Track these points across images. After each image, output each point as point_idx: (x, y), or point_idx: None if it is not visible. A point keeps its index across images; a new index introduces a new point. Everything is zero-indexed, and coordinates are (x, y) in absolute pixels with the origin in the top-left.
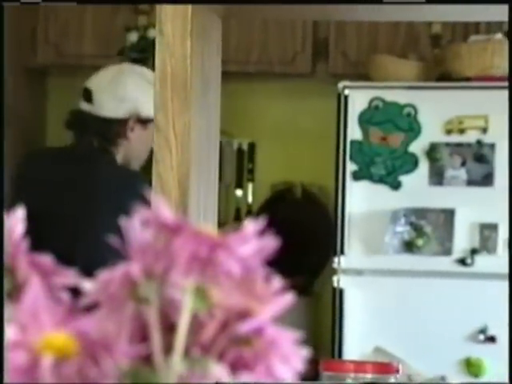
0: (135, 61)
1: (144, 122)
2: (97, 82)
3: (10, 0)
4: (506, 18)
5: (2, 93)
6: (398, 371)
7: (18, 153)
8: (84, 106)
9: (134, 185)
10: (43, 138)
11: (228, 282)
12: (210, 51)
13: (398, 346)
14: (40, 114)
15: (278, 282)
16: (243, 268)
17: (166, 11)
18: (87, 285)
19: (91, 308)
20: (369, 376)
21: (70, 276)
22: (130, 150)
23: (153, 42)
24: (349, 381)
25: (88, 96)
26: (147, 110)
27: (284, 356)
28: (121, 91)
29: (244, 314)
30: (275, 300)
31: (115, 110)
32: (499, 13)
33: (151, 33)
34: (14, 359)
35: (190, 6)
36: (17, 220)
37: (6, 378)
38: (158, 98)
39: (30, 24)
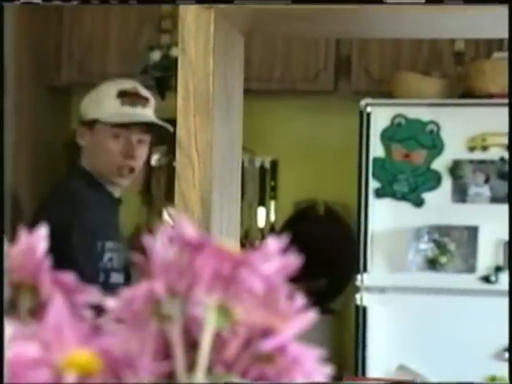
0: (158, 79)
1: (89, 124)
2: (83, 102)
3: (10, 0)
4: None
5: (2, 93)
6: None
7: (39, 170)
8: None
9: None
10: (66, 156)
11: (251, 299)
12: (233, 68)
13: (422, 363)
14: (63, 132)
15: (300, 299)
16: (266, 285)
17: (188, 29)
18: (111, 302)
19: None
20: None
21: (92, 294)
22: (90, 159)
23: (176, 61)
24: None
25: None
26: (88, 110)
27: (307, 373)
28: (82, 107)
29: (267, 332)
30: (298, 317)
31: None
32: None
33: (174, 51)
34: (38, 376)
35: (212, 24)
36: (39, 238)
37: (6, 378)
38: (180, 115)
39: (54, 42)
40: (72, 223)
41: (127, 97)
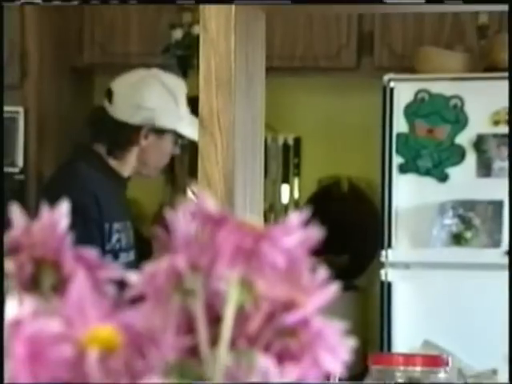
0: (180, 58)
1: (159, 131)
2: (119, 85)
3: (10, 0)
4: None
5: (1, 93)
6: (447, 364)
7: (63, 151)
8: (106, 104)
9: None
10: (89, 136)
11: (273, 273)
12: (255, 46)
13: (447, 339)
14: (86, 113)
15: (323, 272)
16: (288, 259)
17: (209, 8)
18: (132, 277)
19: (137, 301)
20: (418, 369)
21: (114, 269)
22: (143, 158)
23: (197, 39)
24: (398, 374)
25: (109, 96)
26: (163, 120)
27: (330, 347)
28: (138, 99)
29: (289, 306)
30: (321, 291)
31: (130, 116)
32: None
33: (196, 29)
34: (60, 353)
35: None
36: (60, 214)
37: (6, 378)
38: (202, 94)
39: (76, 24)
40: (74, 206)
41: (189, 103)
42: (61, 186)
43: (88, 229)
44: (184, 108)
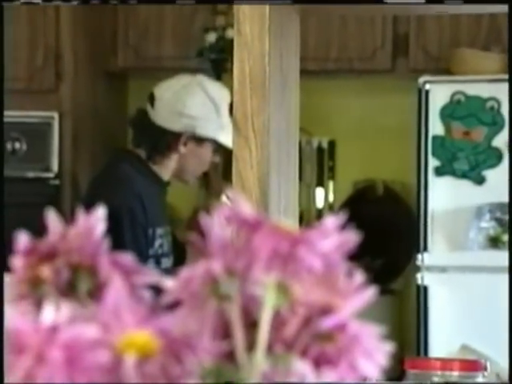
0: (214, 61)
1: (199, 139)
2: (162, 90)
3: (10, 0)
4: None
5: (1, 92)
6: (485, 369)
7: (98, 156)
8: (148, 108)
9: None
10: (124, 140)
11: (309, 277)
12: (289, 49)
13: (485, 343)
14: (121, 117)
15: (359, 276)
16: (324, 263)
17: (243, 10)
18: (169, 283)
19: (173, 306)
20: (455, 374)
21: (151, 275)
22: (182, 165)
23: (231, 42)
24: (435, 379)
25: (151, 101)
26: (204, 129)
27: (367, 351)
28: (180, 106)
29: (326, 310)
30: (357, 295)
31: (171, 122)
32: None
33: (229, 33)
34: (97, 358)
35: (267, 4)
36: (97, 219)
37: (6, 378)
38: (236, 97)
39: (110, 28)
40: (122, 210)
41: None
42: (107, 189)
43: (135, 232)
44: (226, 117)
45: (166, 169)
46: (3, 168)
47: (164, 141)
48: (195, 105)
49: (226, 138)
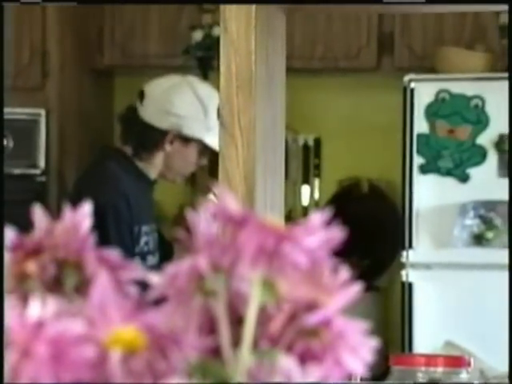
0: (200, 59)
1: (185, 139)
2: (152, 88)
3: (10, 0)
4: None
5: (1, 92)
6: (469, 365)
7: (85, 152)
8: (138, 105)
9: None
10: (110, 137)
11: (295, 273)
12: (275, 47)
13: (469, 339)
14: (107, 114)
15: (344, 273)
16: (310, 259)
17: (230, 9)
18: (155, 279)
19: (159, 302)
20: (440, 370)
21: (137, 270)
22: (167, 163)
23: (218, 40)
24: (419, 375)
25: (141, 98)
26: (191, 128)
27: (353, 347)
28: (168, 105)
29: (311, 306)
30: (342, 291)
31: (159, 120)
32: None
33: (216, 31)
34: (83, 353)
35: (253, 3)
36: (83, 215)
37: (6, 378)
38: (223, 94)
39: (96, 26)
40: (107, 208)
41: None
42: (93, 187)
43: (120, 230)
44: (214, 119)
45: (152, 167)
46: (3, 168)
47: (151, 138)
48: (183, 104)
49: (213, 140)
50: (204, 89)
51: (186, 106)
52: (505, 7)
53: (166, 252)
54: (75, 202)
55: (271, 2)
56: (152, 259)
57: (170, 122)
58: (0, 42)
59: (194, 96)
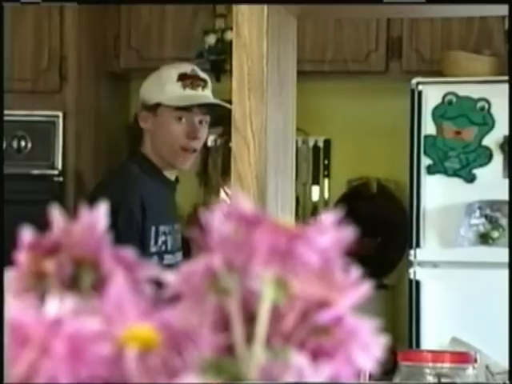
0: (213, 62)
1: (152, 108)
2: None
3: (10, 0)
4: None
5: (1, 91)
6: (475, 361)
7: (101, 156)
8: None
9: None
10: (126, 140)
11: (307, 272)
12: (286, 51)
13: (475, 336)
14: (123, 117)
15: (355, 271)
16: (322, 258)
17: (242, 13)
18: (170, 277)
19: (174, 300)
20: (446, 365)
21: (152, 269)
22: (153, 143)
23: (230, 44)
24: (427, 370)
25: None
26: (148, 96)
27: (363, 344)
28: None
29: (323, 304)
30: (353, 289)
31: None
32: None
33: (228, 35)
34: (99, 351)
35: (265, 7)
36: (100, 215)
37: (6, 378)
38: (235, 97)
39: (112, 31)
40: (119, 207)
41: (187, 79)
42: (108, 188)
43: (130, 229)
44: (173, 83)
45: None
46: (3, 167)
47: (135, 128)
48: (146, 83)
49: (172, 101)
50: (166, 67)
51: (146, 81)
52: (505, 7)
53: (186, 251)
54: (92, 201)
55: (282, 3)
56: (171, 258)
57: (138, 104)
58: (0, 42)
59: (156, 74)
